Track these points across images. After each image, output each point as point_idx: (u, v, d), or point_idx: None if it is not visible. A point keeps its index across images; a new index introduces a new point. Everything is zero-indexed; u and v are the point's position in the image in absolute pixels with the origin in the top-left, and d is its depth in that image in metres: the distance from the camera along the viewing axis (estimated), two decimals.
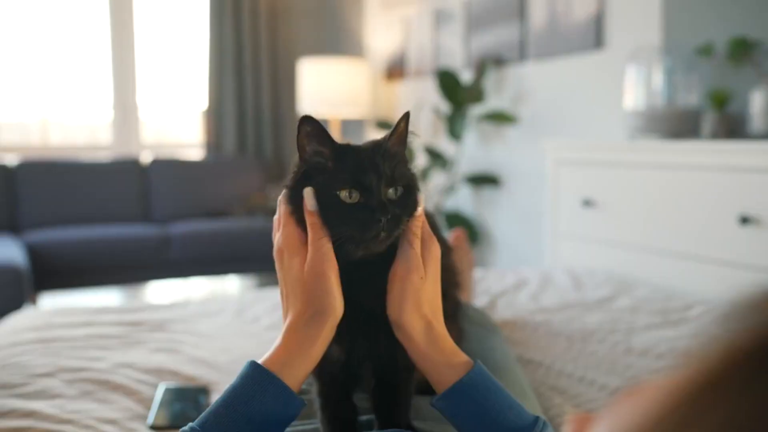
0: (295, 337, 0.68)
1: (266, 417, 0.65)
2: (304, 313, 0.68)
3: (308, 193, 0.69)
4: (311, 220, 0.69)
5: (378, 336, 0.72)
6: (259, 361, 0.67)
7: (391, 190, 0.69)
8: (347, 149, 0.71)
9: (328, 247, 0.68)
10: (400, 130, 0.73)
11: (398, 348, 0.72)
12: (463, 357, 0.70)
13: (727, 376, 0.23)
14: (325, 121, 4.68)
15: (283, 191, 0.73)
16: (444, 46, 3.79)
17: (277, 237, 0.72)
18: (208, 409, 0.66)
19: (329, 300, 0.68)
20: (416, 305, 0.69)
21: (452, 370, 0.68)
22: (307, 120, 0.69)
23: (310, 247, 0.69)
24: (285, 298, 0.71)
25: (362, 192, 0.68)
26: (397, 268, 0.70)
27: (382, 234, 0.68)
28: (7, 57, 4.38)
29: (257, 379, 0.66)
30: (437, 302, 0.72)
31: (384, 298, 0.71)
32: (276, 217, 0.74)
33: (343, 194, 0.68)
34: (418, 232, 0.72)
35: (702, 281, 2.01)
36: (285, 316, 0.71)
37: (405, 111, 0.74)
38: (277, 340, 0.69)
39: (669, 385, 0.24)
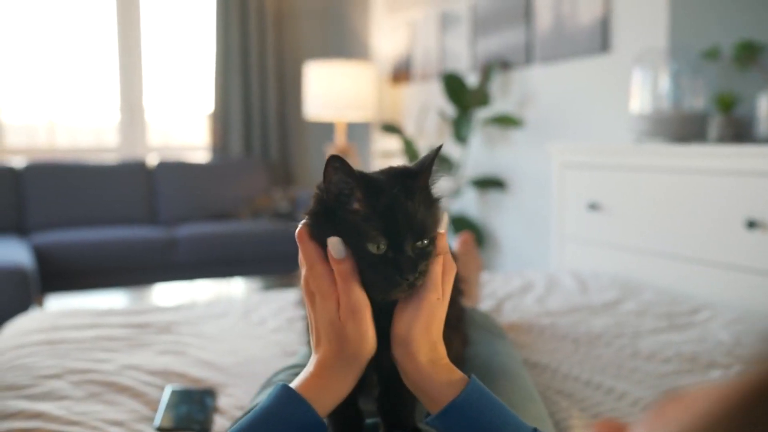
0: (327, 372, 0.68)
1: None
2: (339, 354, 0.68)
3: (333, 243, 0.67)
4: (340, 268, 0.67)
5: (386, 349, 0.72)
6: (292, 386, 0.67)
7: (419, 243, 0.67)
8: (378, 189, 0.67)
9: (360, 292, 0.67)
10: (431, 162, 0.70)
11: None
12: (458, 374, 0.69)
13: None
14: (331, 124, 4.69)
15: (302, 225, 0.70)
16: (450, 50, 3.79)
17: (304, 274, 0.69)
18: (234, 426, 0.66)
19: (364, 343, 0.67)
20: (427, 325, 0.68)
21: (447, 389, 0.67)
22: (336, 158, 0.65)
23: (342, 296, 0.67)
24: (315, 332, 0.70)
25: (390, 244, 0.65)
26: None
27: (407, 288, 0.67)
28: (13, 59, 4.40)
29: (288, 402, 0.65)
30: (443, 324, 0.71)
31: (391, 314, 0.70)
32: (300, 251, 0.70)
33: (371, 246, 0.65)
34: (441, 250, 0.70)
35: (708, 285, 2.00)
36: (315, 346, 0.70)
37: (439, 144, 0.71)
38: (309, 370, 0.68)
39: (713, 396, 0.24)
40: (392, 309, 0.70)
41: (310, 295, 0.69)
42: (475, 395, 0.67)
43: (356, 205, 0.66)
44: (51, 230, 3.85)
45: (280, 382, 0.68)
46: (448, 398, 0.66)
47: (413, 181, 0.69)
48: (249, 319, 1.74)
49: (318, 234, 0.68)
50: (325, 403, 0.67)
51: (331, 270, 0.68)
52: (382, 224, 0.65)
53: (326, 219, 0.68)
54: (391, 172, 0.70)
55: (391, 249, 0.65)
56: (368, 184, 0.67)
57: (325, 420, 0.78)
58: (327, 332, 0.68)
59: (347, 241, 0.66)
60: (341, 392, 0.68)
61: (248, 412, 0.88)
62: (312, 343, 0.71)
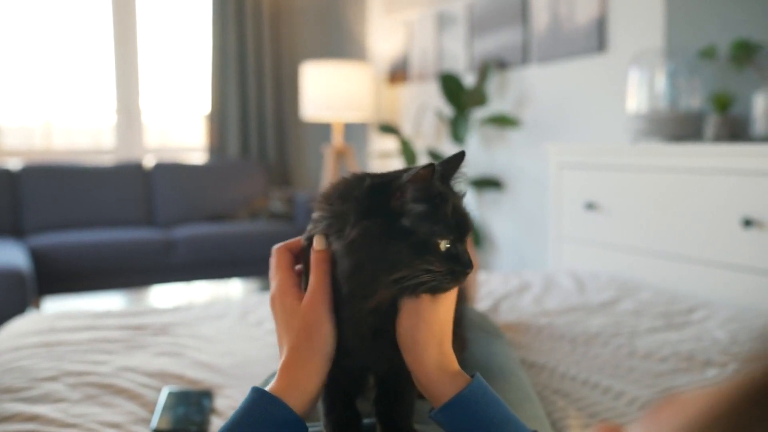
0: (292, 368, 0.69)
1: None
2: (300, 344, 0.69)
3: (319, 239, 0.70)
4: (317, 255, 0.70)
5: (385, 350, 0.72)
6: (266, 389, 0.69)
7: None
8: (448, 194, 0.70)
9: (325, 280, 0.69)
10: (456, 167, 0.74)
11: (404, 362, 0.72)
12: (465, 377, 0.70)
13: None
14: (328, 125, 4.69)
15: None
16: (447, 50, 3.80)
17: (271, 286, 0.74)
18: None
19: (321, 328, 0.69)
20: (428, 324, 0.68)
21: (451, 385, 0.68)
22: (429, 168, 0.67)
23: (311, 279, 0.70)
24: (279, 339, 0.73)
25: (453, 242, 0.68)
26: None
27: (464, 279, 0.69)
28: (10, 61, 4.40)
29: (260, 401, 0.67)
30: (449, 326, 0.72)
31: (393, 316, 0.70)
32: (273, 260, 0.75)
33: (443, 243, 0.67)
34: None
35: (705, 284, 2.01)
36: (280, 348, 0.73)
37: (460, 150, 0.75)
38: (275, 379, 0.70)
39: (711, 398, 0.24)
40: (393, 314, 0.70)
41: (273, 300, 0.73)
42: (480, 391, 0.68)
43: (424, 208, 0.67)
44: (48, 232, 3.84)
45: (253, 386, 0.69)
46: (450, 393, 0.67)
47: (450, 184, 0.73)
48: (246, 321, 1.74)
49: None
50: (296, 398, 0.68)
51: (297, 279, 0.73)
52: (453, 222, 0.68)
53: (382, 227, 0.67)
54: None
55: (453, 246, 0.68)
56: (440, 189, 0.70)
57: (323, 421, 0.79)
58: (287, 324, 0.71)
59: (410, 243, 0.66)
60: (311, 386, 0.69)
61: None
62: (279, 352, 0.73)
